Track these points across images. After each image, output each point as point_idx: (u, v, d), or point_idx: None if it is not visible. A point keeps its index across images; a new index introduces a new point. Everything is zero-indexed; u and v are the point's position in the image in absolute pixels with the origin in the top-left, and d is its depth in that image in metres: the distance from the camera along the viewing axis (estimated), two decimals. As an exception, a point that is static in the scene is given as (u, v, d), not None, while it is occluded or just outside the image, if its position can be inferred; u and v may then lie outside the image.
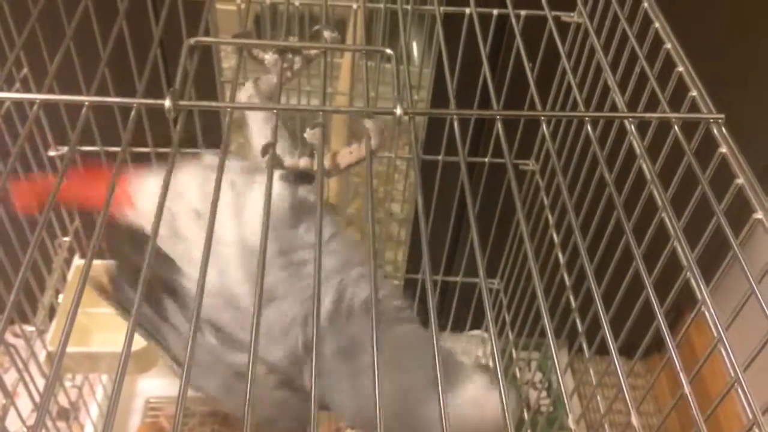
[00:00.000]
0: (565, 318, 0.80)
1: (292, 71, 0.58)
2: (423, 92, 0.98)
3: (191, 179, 0.57)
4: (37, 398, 0.83)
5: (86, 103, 0.46)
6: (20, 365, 0.81)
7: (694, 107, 0.54)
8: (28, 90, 0.82)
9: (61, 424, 1.04)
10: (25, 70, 0.81)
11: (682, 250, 0.46)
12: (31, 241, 0.40)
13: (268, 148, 0.45)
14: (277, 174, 0.54)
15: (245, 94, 0.60)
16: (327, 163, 0.52)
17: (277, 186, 0.55)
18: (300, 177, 0.56)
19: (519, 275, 1.05)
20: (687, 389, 0.37)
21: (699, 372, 0.48)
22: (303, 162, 0.50)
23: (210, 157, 0.60)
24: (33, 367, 0.87)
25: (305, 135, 0.50)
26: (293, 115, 0.95)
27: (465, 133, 0.95)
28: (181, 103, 0.45)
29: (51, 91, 0.48)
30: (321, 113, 0.49)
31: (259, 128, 0.62)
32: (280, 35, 0.63)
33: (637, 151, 0.54)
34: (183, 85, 0.46)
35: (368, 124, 0.47)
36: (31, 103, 0.46)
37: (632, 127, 0.52)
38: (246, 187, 0.55)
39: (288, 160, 0.50)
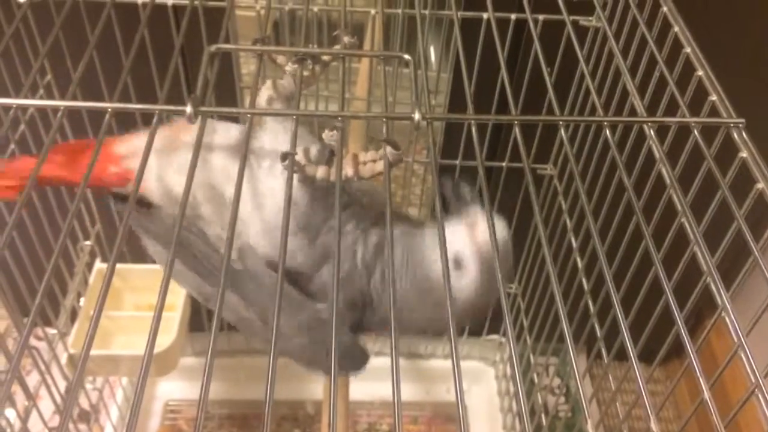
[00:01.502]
0: (583, 323, 0.80)
1: (312, 75, 0.59)
2: (441, 97, 0.99)
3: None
4: (59, 400, 0.84)
5: (109, 110, 0.46)
6: (42, 367, 0.82)
7: (714, 112, 0.53)
8: (51, 96, 0.83)
9: (82, 426, 1.05)
10: (49, 77, 0.83)
11: (702, 255, 0.46)
12: (55, 248, 0.41)
13: (287, 156, 0.46)
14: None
15: (265, 93, 0.60)
16: (346, 170, 0.52)
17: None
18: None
19: (537, 279, 1.05)
20: (707, 395, 0.37)
21: (719, 378, 0.48)
22: (321, 171, 0.51)
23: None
24: (55, 370, 0.88)
25: (323, 136, 0.50)
26: (311, 120, 0.96)
27: (483, 137, 0.95)
28: (202, 108, 0.45)
29: (74, 98, 0.49)
30: (339, 118, 0.49)
31: (273, 120, 0.62)
32: (299, 41, 0.63)
33: (657, 155, 0.54)
34: (204, 91, 0.47)
35: (388, 149, 0.48)
36: (55, 110, 0.47)
37: (651, 131, 0.52)
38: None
39: (307, 169, 0.51)
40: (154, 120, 0.46)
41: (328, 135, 0.51)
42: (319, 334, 0.60)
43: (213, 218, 0.59)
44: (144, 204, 0.61)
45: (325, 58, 0.59)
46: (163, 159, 0.58)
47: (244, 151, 0.46)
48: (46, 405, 0.85)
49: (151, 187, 0.59)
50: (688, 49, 0.59)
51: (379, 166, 0.51)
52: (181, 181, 0.57)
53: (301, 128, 0.51)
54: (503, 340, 1.29)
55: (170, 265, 0.39)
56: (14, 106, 0.49)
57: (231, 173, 0.58)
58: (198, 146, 0.45)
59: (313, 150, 0.54)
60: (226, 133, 0.60)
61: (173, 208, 0.60)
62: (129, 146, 0.60)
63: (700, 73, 0.56)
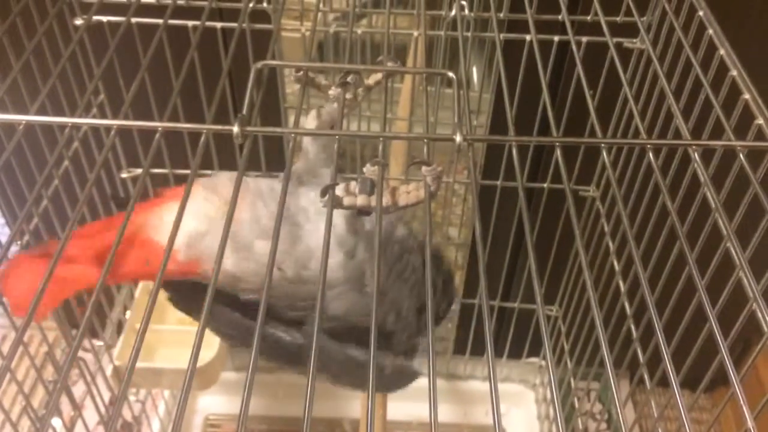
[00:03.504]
0: (626, 348, 0.78)
1: (355, 98, 0.60)
2: (482, 117, 0.99)
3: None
4: (103, 411, 0.86)
5: (159, 129, 0.48)
6: (89, 378, 0.84)
7: (760, 135, 0.52)
8: (103, 115, 0.86)
9: (125, 438, 1.07)
10: (102, 96, 0.85)
11: (747, 281, 0.45)
12: (104, 266, 0.42)
13: (328, 190, 0.46)
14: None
15: (311, 121, 0.62)
16: (385, 199, 0.52)
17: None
18: (358, 212, 0.57)
19: (578, 302, 1.04)
20: (750, 423, 0.36)
21: (766, 407, 0.46)
22: (361, 200, 0.51)
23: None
24: (99, 381, 0.91)
25: (364, 170, 0.51)
26: (353, 139, 0.97)
27: (524, 158, 0.95)
28: (249, 129, 0.46)
29: (126, 117, 0.50)
30: (381, 139, 0.50)
31: (316, 150, 0.63)
32: (343, 62, 0.64)
33: (702, 179, 0.53)
34: (250, 111, 0.48)
35: (425, 171, 0.48)
36: (108, 129, 0.49)
37: (696, 155, 0.51)
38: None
39: (346, 200, 0.51)
40: (236, 184, 0.45)
41: (370, 170, 0.51)
42: (380, 379, 0.64)
43: (285, 293, 0.59)
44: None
45: (368, 82, 0.60)
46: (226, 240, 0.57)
47: (286, 175, 0.46)
48: (90, 415, 0.88)
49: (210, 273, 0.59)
50: (734, 72, 0.58)
51: (420, 193, 0.52)
52: (246, 266, 0.56)
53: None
54: (543, 363, 1.27)
55: (208, 305, 0.40)
56: (69, 124, 0.50)
57: (298, 244, 0.57)
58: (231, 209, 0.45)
59: (354, 184, 0.55)
60: (292, 196, 0.59)
61: (243, 294, 0.59)
62: (181, 236, 0.56)
63: (747, 96, 0.56)
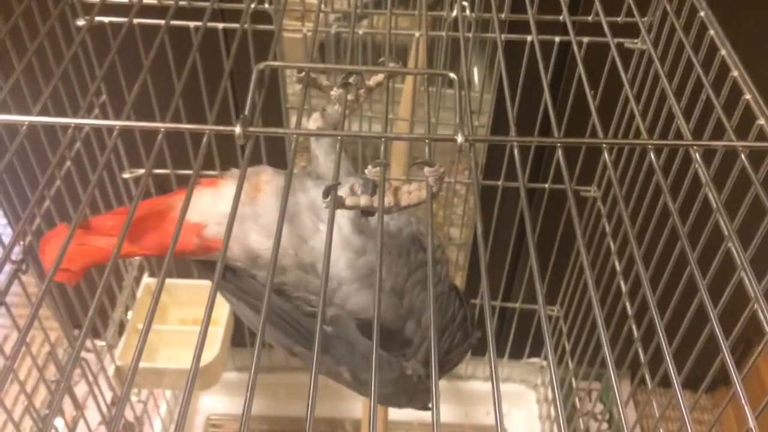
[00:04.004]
0: (627, 348, 0.78)
1: (356, 99, 0.60)
2: (484, 117, 0.99)
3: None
4: (105, 410, 0.87)
5: (162, 130, 0.48)
6: (90, 378, 0.84)
7: (762, 136, 0.52)
8: (105, 115, 0.86)
9: (127, 438, 1.07)
10: (104, 97, 0.86)
11: (749, 281, 0.45)
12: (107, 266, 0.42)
13: (330, 191, 0.47)
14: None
15: (313, 123, 0.62)
16: (387, 199, 0.52)
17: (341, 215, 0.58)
18: (361, 212, 0.57)
19: (579, 302, 1.04)
20: (752, 423, 0.36)
21: (767, 407, 0.46)
22: (363, 200, 0.51)
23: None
24: (101, 381, 0.91)
25: (366, 172, 0.51)
26: (355, 140, 0.97)
27: (525, 159, 0.95)
28: (250, 129, 0.46)
29: (128, 118, 0.50)
30: (383, 139, 0.50)
31: (325, 151, 0.64)
32: (344, 62, 0.65)
33: (703, 179, 0.53)
34: (252, 111, 0.48)
35: (427, 171, 0.48)
36: (110, 129, 0.49)
37: (697, 155, 0.51)
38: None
39: (349, 200, 0.51)
40: (239, 184, 0.46)
41: (372, 172, 0.51)
42: (402, 385, 0.64)
43: (299, 284, 0.60)
44: (229, 269, 0.62)
45: (370, 83, 0.60)
46: (245, 222, 0.59)
47: (288, 175, 0.47)
48: (92, 415, 0.88)
49: (235, 253, 0.60)
50: (735, 73, 0.58)
51: (422, 194, 0.52)
52: (267, 244, 0.59)
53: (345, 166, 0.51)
54: (544, 363, 1.27)
55: (215, 286, 0.40)
56: (72, 125, 0.50)
57: (313, 236, 0.59)
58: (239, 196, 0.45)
59: (357, 185, 0.55)
60: (305, 192, 0.60)
61: (260, 273, 0.61)
62: (206, 212, 0.60)
63: (748, 96, 0.56)
